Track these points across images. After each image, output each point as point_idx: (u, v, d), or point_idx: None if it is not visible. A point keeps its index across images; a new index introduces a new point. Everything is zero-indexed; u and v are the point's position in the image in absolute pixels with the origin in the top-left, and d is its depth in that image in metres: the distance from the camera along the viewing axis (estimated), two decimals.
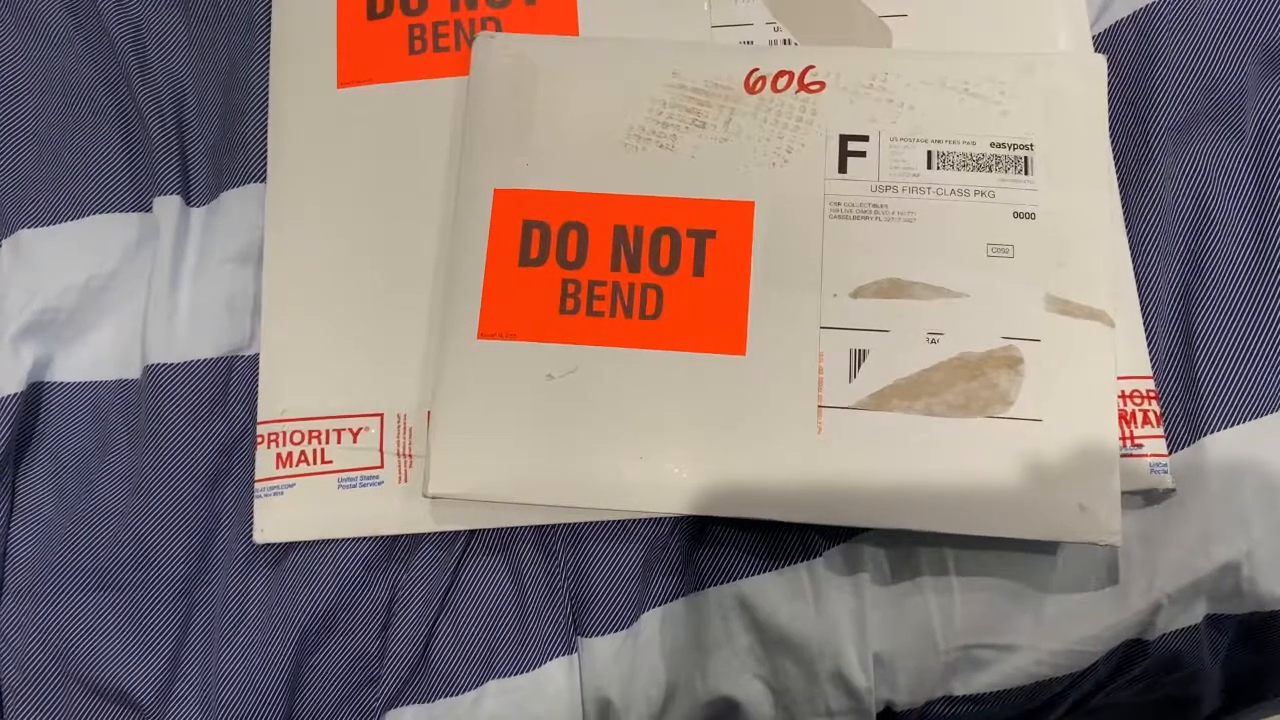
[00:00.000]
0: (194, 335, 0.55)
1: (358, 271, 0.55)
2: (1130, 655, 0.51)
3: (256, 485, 0.53)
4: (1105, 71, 0.53)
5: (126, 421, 0.55)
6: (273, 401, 0.54)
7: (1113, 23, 0.56)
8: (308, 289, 0.55)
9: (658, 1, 0.57)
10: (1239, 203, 0.53)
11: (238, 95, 0.59)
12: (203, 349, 0.55)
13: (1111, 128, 0.54)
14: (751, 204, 0.52)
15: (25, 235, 0.57)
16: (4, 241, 0.57)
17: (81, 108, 0.59)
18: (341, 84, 0.57)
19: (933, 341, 0.50)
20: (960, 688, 0.51)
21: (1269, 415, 0.50)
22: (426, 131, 0.56)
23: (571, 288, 0.52)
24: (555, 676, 0.51)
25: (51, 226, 0.57)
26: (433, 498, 0.51)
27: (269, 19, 0.59)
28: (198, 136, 0.58)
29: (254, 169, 0.57)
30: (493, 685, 0.52)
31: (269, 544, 0.53)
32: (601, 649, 0.52)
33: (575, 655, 0.52)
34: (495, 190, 0.53)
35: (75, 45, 0.60)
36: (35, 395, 0.56)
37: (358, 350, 0.54)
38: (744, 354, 0.51)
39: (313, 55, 0.57)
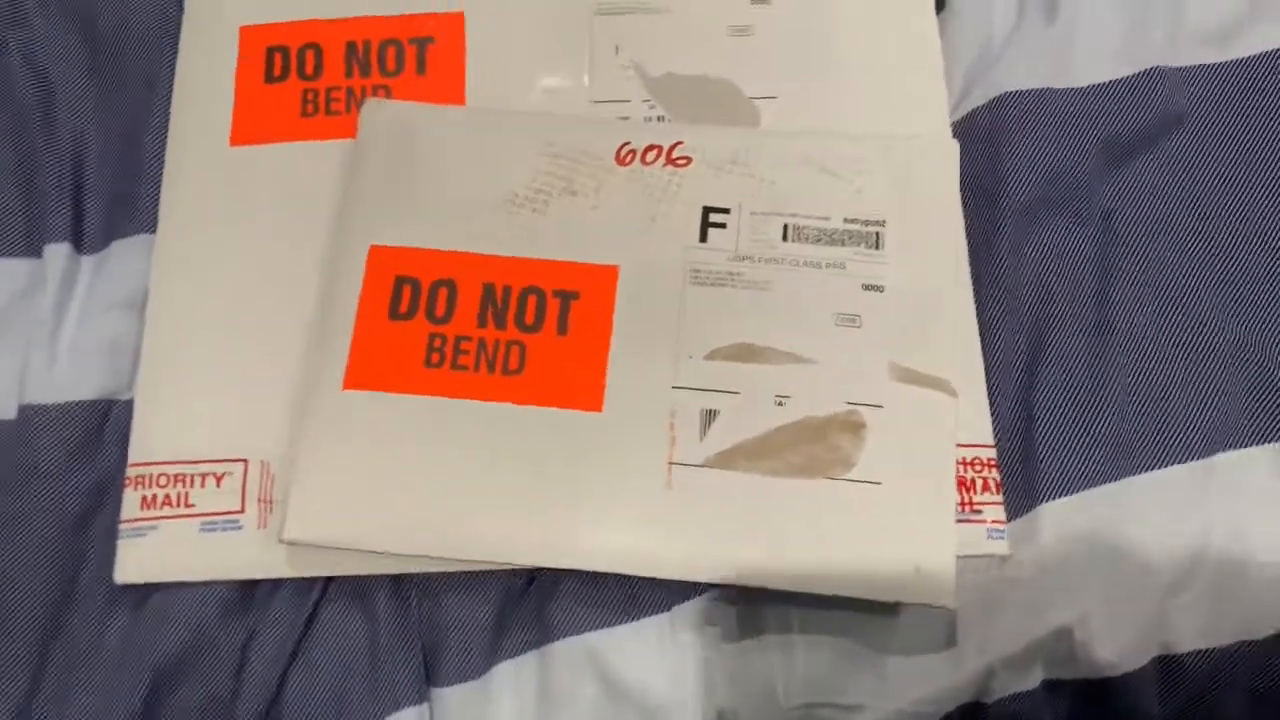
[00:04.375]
0: (73, 378, 0.57)
1: (237, 322, 0.57)
2: (969, 719, 0.52)
3: (120, 526, 0.54)
4: (958, 154, 0.57)
5: None
6: (142, 444, 0.55)
7: (970, 110, 0.60)
8: (187, 336, 0.56)
9: (542, 76, 0.60)
10: (1080, 285, 0.56)
11: (135, 151, 0.61)
12: (81, 391, 0.57)
13: (965, 209, 0.57)
14: (616, 268, 0.55)
15: None
16: None
17: None
18: (234, 142, 0.59)
19: (780, 404, 0.52)
20: None
21: (1102, 486, 0.52)
22: (313, 190, 0.58)
23: (438, 341, 0.54)
24: None
25: None
26: (289, 543, 0.52)
27: (171, 81, 0.61)
28: (94, 189, 0.60)
29: (145, 220, 0.59)
30: None
31: (131, 585, 0.53)
32: (451, 699, 0.52)
33: (426, 705, 0.52)
34: (371, 246, 0.55)
35: None
36: None
37: (230, 398, 0.55)
38: (601, 410, 0.53)
39: (209, 113, 0.60)
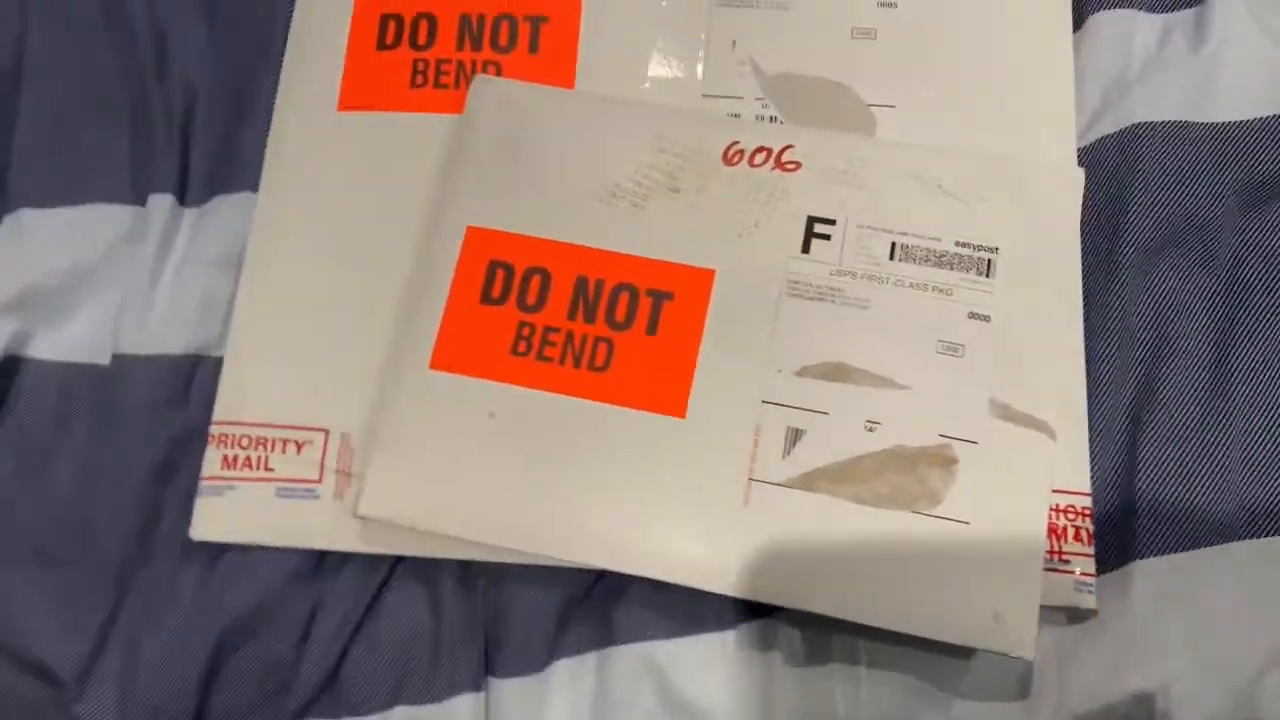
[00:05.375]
0: (165, 330, 0.57)
1: (331, 289, 0.56)
2: None
3: (200, 483, 0.54)
4: (1082, 185, 0.54)
5: (89, 405, 0.57)
6: (228, 403, 0.55)
7: (1099, 137, 0.57)
8: (280, 299, 0.57)
9: (654, 64, 0.58)
10: (1201, 334, 0.53)
11: (246, 106, 0.61)
12: (172, 345, 0.57)
13: (1084, 242, 0.54)
14: (713, 272, 0.53)
15: (26, 214, 0.59)
16: (5, 218, 0.60)
17: (98, 100, 0.62)
18: (342, 107, 0.59)
19: (870, 430, 0.50)
20: None
21: (1201, 549, 0.50)
22: (416, 162, 0.57)
23: (526, 330, 0.53)
24: (460, 712, 0.52)
25: (51, 209, 0.60)
26: (363, 518, 0.52)
27: (285, 40, 0.61)
28: (202, 142, 0.61)
29: (248, 178, 0.59)
30: (399, 711, 0.52)
31: (205, 543, 0.54)
32: (508, 691, 0.52)
33: (483, 694, 0.52)
34: (468, 227, 0.55)
35: (101, 42, 0.62)
36: (11, 368, 0.57)
37: (318, 366, 0.55)
38: (684, 417, 0.51)
39: (320, 76, 0.59)
